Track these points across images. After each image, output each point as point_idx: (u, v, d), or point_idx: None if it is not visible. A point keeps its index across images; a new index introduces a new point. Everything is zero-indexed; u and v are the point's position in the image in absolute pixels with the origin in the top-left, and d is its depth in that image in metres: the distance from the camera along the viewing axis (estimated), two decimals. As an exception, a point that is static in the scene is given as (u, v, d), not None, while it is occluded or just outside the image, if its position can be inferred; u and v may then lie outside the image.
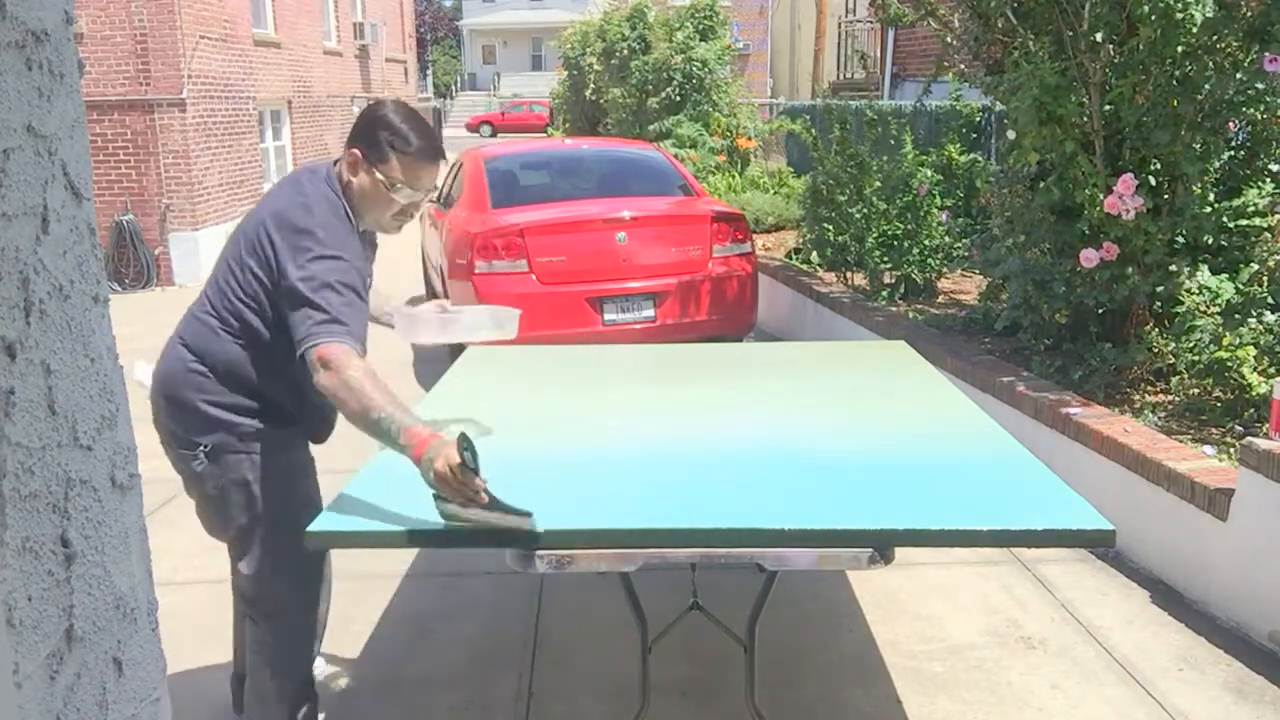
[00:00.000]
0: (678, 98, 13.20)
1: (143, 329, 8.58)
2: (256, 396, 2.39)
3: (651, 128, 12.95)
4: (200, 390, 2.37)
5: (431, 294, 7.95)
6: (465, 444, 1.91)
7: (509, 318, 2.74)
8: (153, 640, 1.03)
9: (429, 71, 44.70)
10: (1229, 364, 4.11)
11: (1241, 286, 4.35)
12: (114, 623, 0.95)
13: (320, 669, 3.13)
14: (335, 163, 2.46)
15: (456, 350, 4.71)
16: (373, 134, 2.36)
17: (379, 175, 2.36)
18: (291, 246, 2.26)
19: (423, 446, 1.98)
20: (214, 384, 2.37)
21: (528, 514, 1.95)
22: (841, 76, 18.99)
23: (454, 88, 52.50)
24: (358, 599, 3.61)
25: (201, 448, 2.37)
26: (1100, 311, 4.78)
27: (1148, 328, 4.64)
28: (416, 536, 2.24)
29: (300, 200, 2.34)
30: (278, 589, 2.51)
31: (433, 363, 6.69)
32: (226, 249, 2.43)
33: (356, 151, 2.37)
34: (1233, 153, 4.69)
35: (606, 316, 5.88)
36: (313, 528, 2.07)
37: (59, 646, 0.86)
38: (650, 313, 5.95)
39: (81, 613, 0.90)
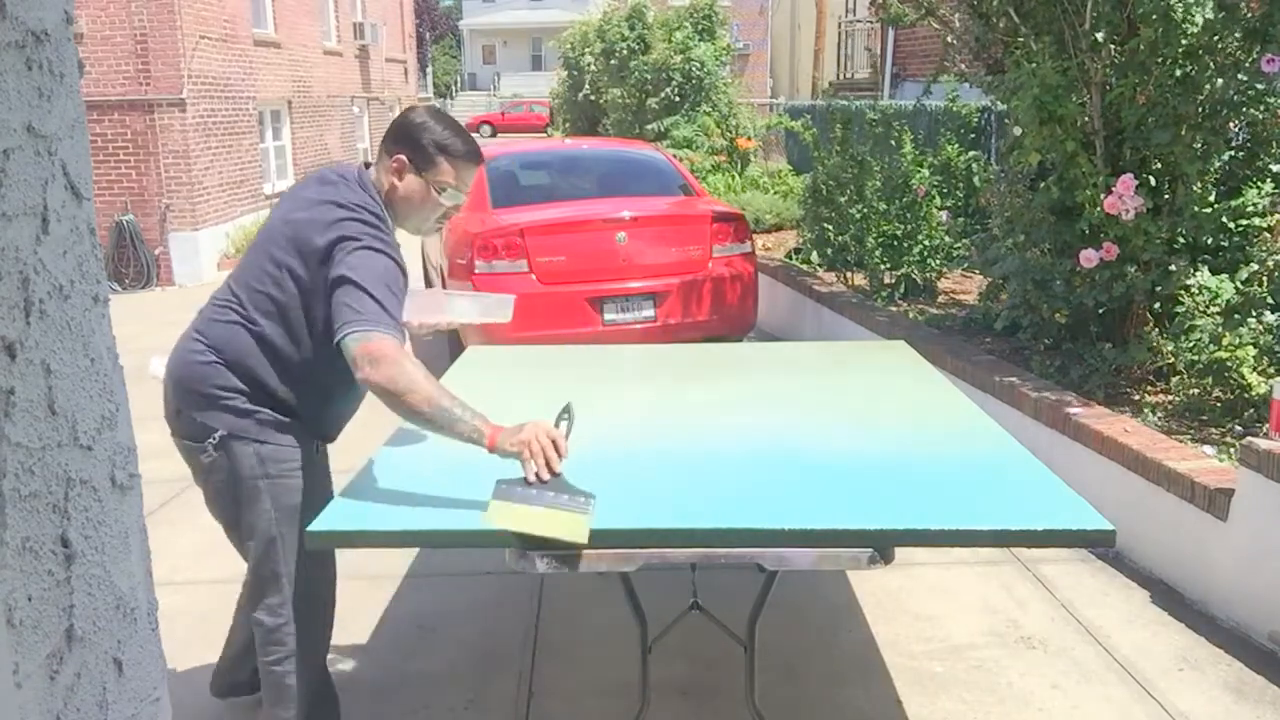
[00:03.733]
0: (677, 98, 13.20)
1: (143, 329, 8.59)
2: (270, 392, 2.39)
3: (649, 128, 12.95)
4: (211, 382, 2.37)
5: (431, 294, 7.94)
6: (568, 414, 2.15)
7: (500, 304, 2.82)
8: (153, 640, 1.03)
9: (429, 71, 44.66)
10: (1229, 364, 4.11)
11: (1241, 286, 4.35)
12: (114, 623, 0.95)
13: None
14: (364, 167, 2.48)
15: (456, 350, 4.69)
16: (416, 139, 2.39)
17: (427, 179, 2.40)
18: (334, 241, 2.27)
19: (498, 431, 2.10)
20: (229, 376, 2.37)
21: (591, 495, 2.01)
22: (842, 76, 18.99)
23: (454, 88, 52.47)
24: (358, 599, 3.61)
25: (209, 439, 2.36)
26: (1100, 311, 4.78)
27: (1148, 328, 4.64)
28: (416, 536, 2.25)
29: (338, 200, 2.35)
30: (291, 578, 2.48)
31: (432, 362, 6.68)
32: (254, 250, 2.43)
33: (402, 157, 2.39)
34: (1233, 153, 4.68)
35: (606, 316, 5.88)
36: (313, 527, 2.07)
37: (59, 646, 0.86)
38: (650, 313, 5.95)
39: (81, 613, 0.90)
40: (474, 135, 2.55)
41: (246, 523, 2.44)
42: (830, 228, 7.33)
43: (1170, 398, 4.43)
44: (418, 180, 2.40)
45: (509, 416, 2.90)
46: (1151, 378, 4.62)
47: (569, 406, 2.16)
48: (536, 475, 2.02)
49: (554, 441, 2.05)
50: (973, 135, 9.21)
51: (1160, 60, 4.37)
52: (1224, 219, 4.49)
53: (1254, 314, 4.19)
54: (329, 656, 3.22)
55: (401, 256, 2.37)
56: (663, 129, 12.81)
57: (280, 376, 2.39)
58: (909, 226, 6.84)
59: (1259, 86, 4.26)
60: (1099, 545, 2.34)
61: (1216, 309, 4.32)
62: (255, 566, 2.48)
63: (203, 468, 2.42)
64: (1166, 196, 4.57)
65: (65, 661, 0.87)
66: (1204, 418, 4.16)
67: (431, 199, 2.42)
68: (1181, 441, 3.86)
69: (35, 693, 0.83)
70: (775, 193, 11.39)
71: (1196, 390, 4.32)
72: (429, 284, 8.14)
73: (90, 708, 0.91)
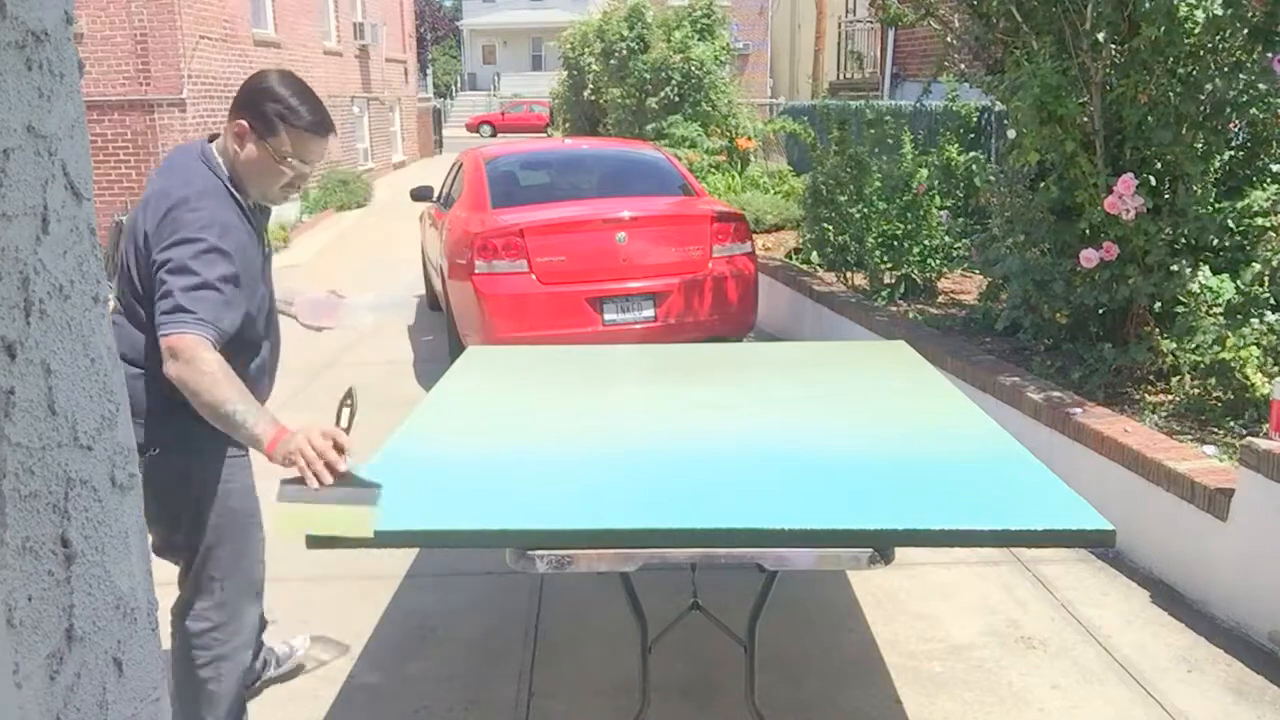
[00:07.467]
0: (676, 98, 13.19)
1: (143, 329, 8.58)
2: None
3: (649, 128, 12.94)
4: (151, 392, 2.26)
5: (432, 294, 7.95)
6: (350, 400, 2.05)
7: (396, 301, 2.78)
8: (153, 640, 1.03)
9: (429, 71, 44.68)
10: (1232, 365, 4.10)
11: (1243, 286, 4.35)
12: (114, 623, 0.95)
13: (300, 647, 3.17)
14: (211, 138, 2.42)
15: (456, 350, 4.69)
16: (259, 106, 2.32)
17: (268, 148, 2.32)
18: (159, 229, 2.22)
19: (279, 437, 2.04)
20: (164, 383, 2.17)
21: (377, 485, 1.96)
22: (841, 76, 18.99)
23: (454, 88, 52.44)
24: (358, 599, 3.61)
25: (153, 450, 2.26)
26: (1100, 311, 4.78)
27: (1148, 328, 4.64)
28: (416, 536, 2.25)
29: (170, 182, 2.30)
30: (213, 593, 2.51)
31: (433, 362, 6.69)
32: (123, 245, 2.35)
33: (243, 123, 2.32)
34: (1233, 152, 4.68)
35: (606, 316, 5.88)
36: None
37: (59, 646, 0.86)
38: (650, 313, 5.95)
39: (81, 613, 0.90)
40: (322, 103, 2.44)
41: (202, 525, 2.44)
42: (830, 228, 7.33)
43: (1170, 398, 4.42)
44: (260, 149, 2.32)
45: (510, 417, 2.90)
46: (1152, 378, 4.62)
47: (350, 392, 2.07)
48: (318, 478, 1.96)
49: (334, 440, 1.99)
50: (972, 135, 9.21)
51: (1162, 59, 4.37)
52: (1228, 220, 4.49)
53: (1255, 314, 4.19)
54: (328, 658, 3.23)
55: (239, 236, 2.31)
56: (661, 128, 12.79)
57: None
58: (909, 226, 6.83)
59: (1261, 86, 4.26)
60: (1099, 545, 2.34)
61: (1218, 309, 4.32)
62: (213, 557, 2.48)
63: (178, 479, 2.36)
64: (1167, 196, 4.57)
65: (65, 661, 0.87)
66: (1204, 418, 4.16)
67: (273, 168, 2.34)
68: (1182, 442, 3.86)
69: (35, 693, 0.83)
70: (775, 193, 11.38)
71: (1197, 390, 4.32)
72: (429, 285, 8.14)
73: (90, 708, 0.91)
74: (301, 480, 1.97)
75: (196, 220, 2.22)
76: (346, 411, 2.05)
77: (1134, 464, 3.71)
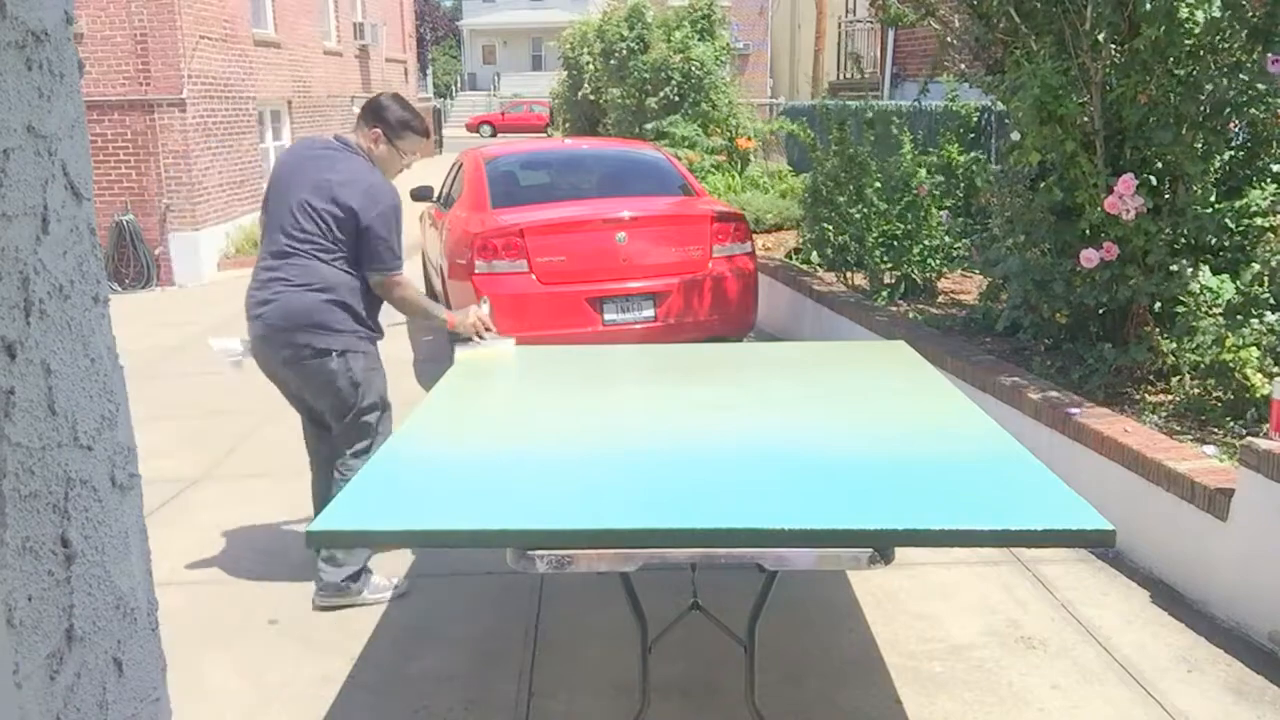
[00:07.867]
0: (676, 97, 13.19)
1: (143, 329, 8.60)
2: (357, 308, 3.41)
3: (648, 127, 12.94)
4: (332, 311, 3.35)
5: (431, 293, 7.95)
6: (488, 304, 3.78)
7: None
8: (153, 640, 1.03)
9: (429, 71, 44.70)
10: (1232, 365, 4.10)
11: (1243, 286, 4.35)
12: (114, 623, 0.95)
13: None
14: (339, 138, 3.55)
15: (456, 350, 4.66)
16: (388, 118, 3.48)
17: (397, 147, 3.50)
18: (363, 202, 3.34)
19: (453, 318, 3.65)
20: (340, 305, 3.36)
21: (512, 339, 3.69)
22: (841, 77, 18.99)
23: (454, 88, 52.41)
24: (358, 599, 3.61)
25: (335, 352, 3.36)
26: (1100, 311, 4.77)
27: (1148, 328, 4.64)
28: (416, 536, 2.25)
29: (354, 170, 3.41)
30: (373, 435, 3.50)
31: (433, 362, 6.69)
32: (293, 207, 3.36)
33: (379, 130, 3.48)
34: (1233, 152, 4.68)
35: (606, 316, 5.88)
36: (313, 527, 2.08)
37: (59, 646, 0.86)
38: (650, 313, 5.95)
39: (81, 613, 0.90)
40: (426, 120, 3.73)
41: (357, 403, 3.47)
42: (830, 228, 7.33)
43: (1170, 398, 4.42)
44: (389, 148, 3.50)
45: (510, 416, 2.91)
46: (1152, 378, 4.62)
47: (485, 299, 3.86)
48: (478, 334, 3.58)
49: (483, 321, 3.61)
50: (972, 135, 9.20)
51: (1162, 60, 4.37)
52: (1227, 220, 4.49)
53: (1256, 314, 4.18)
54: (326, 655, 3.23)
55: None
56: (661, 129, 12.79)
57: (356, 295, 3.43)
58: (909, 226, 6.83)
59: (1260, 86, 4.26)
60: (1099, 545, 2.34)
61: (1218, 309, 4.31)
62: (357, 432, 3.50)
63: (329, 373, 3.38)
64: (1167, 196, 4.57)
65: (65, 661, 0.87)
66: (1204, 418, 4.16)
67: (398, 161, 3.55)
68: (1182, 442, 3.86)
69: (35, 693, 0.83)
70: (775, 193, 11.38)
71: (1197, 390, 4.32)
72: (429, 285, 8.14)
73: (90, 708, 0.91)
74: (468, 340, 3.59)
75: (389, 194, 3.43)
76: (486, 306, 3.72)
77: (1134, 464, 3.71)
